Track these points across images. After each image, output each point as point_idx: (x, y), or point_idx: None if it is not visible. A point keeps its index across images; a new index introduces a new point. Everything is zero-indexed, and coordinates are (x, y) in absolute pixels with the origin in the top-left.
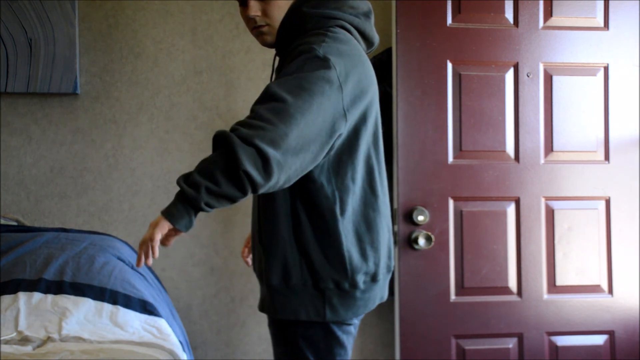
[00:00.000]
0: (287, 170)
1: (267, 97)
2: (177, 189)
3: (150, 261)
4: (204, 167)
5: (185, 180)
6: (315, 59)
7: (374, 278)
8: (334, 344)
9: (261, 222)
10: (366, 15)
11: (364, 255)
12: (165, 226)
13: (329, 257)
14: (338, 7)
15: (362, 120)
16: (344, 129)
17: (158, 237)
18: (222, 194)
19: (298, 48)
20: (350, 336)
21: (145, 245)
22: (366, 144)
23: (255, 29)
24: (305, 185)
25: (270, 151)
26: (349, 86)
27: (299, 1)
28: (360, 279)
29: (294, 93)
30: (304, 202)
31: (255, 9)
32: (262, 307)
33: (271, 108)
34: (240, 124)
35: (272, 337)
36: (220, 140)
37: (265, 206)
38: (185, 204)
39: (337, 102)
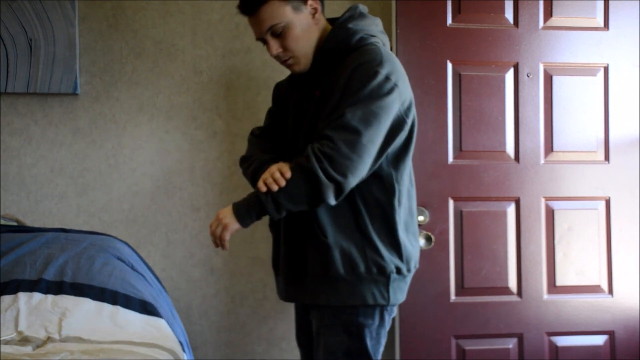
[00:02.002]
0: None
1: (343, 126)
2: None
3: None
4: (290, 193)
5: (267, 196)
6: (382, 81)
7: (416, 264)
8: (384, 327)
9: (316, 218)
10: (383, 31)
11: (411, 242)
12: (235, 228)
13: (388, 245)
14: (374, 24)
15: (413, 121)
16: (404, 133)
17: (228, 237)
18: None
19: (359, 66)
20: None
21: (214, 237)
22: (414, 140)
23: (282, 62)
24: (368, 179)
25: (347, 181)
26: (404, 96)
27: (342, 20)
28: (412, 264)
29: (366, 123)
30: (364, 194)
31: (275, 47)
32: (315, 298)
33: (347, 141)
34: (324, 155)
35: (323, 326)
36: (308, 173)
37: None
38: (260, 215)
39: (399, 114)
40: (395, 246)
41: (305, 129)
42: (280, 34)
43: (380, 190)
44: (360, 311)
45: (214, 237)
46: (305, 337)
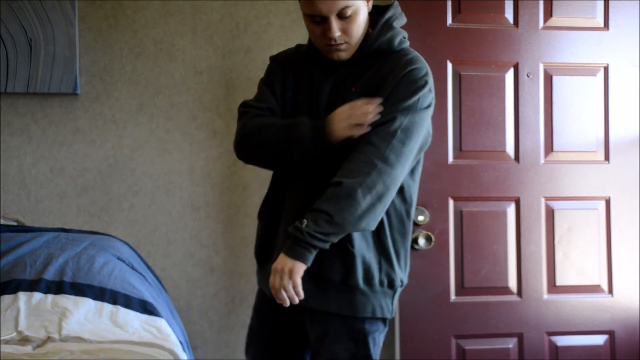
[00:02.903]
0: None
1: (392, 133)
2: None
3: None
4: (330, 222)
5: (317, 231)
6: (427, 93)
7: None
8: (384, 333)
9: None
10: None
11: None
12: (302, 269)
13: (400, 257)
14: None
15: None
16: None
17: (299, 280)
18: None
19: (409, 73)
20: None
21: (288, 292)
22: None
23: (331, 46)
24: None
25: (382, 202)
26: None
27: (389, 17)
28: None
29: (410, 133)
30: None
31: (337, 29)
32: (325, 304)
33: (395, 151)
34: (365, 174)
35: (327, 334)
36: (345, 195)
37: None
38: (317, 249)
39: (428, 125)
40: (405, 258)
41: None
42: (347, 17)
43: (400, 200)
44: (367, 321)
45: (283, 293)
46: (271, 334)
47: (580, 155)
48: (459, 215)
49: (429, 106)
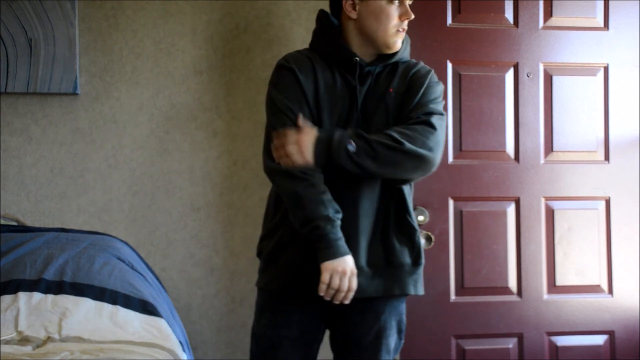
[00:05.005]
0: None
1: (430, 124)
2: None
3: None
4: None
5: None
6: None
7: None
8: None
9: (395, 217)
10: None
11: None
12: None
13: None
14: None
15: None
16: None
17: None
18: None
19: (433, 82)
20: None
21: (349, 293)
22: None
23: (400, 31)
24: None
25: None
26: None
27: None
28: None
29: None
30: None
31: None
32: (386, 290)
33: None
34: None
35: (386, 328)
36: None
37: (397, 197)
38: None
39: None
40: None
41: (376, 126)
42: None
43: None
44: (403, 300)
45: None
46: (299, 336)
47: (580, 155)
48: (459, 215)
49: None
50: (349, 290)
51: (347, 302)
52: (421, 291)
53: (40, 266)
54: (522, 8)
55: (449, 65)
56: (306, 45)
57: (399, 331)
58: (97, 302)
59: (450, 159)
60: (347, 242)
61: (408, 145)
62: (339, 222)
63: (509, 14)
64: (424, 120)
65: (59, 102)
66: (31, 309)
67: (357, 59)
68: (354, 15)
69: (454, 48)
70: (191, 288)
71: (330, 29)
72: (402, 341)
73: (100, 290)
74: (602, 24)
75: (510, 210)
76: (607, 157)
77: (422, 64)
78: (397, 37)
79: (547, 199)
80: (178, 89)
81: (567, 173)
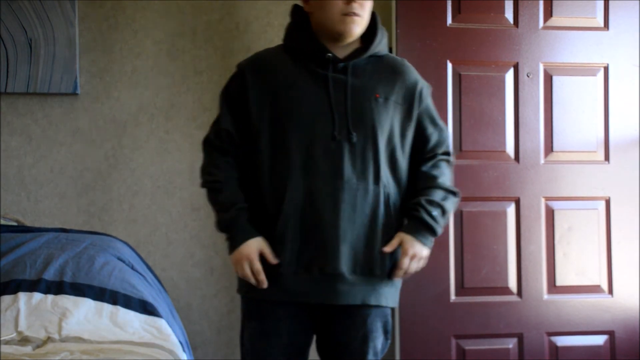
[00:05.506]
0: None
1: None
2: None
3: None
4: (443, 210)
5: (435, 222)
6: None
7: None
8: None
9: (384, 222)
10: None
11: None
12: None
13: None
14: None
15: None
16: None
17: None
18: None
19: (425, 87)
20: None
21: (257, 275)
22: None
23: (349, 15)
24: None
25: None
26: None
27: (377, 17)
28: None
29: None
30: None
31: None
32: (377, 299)
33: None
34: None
35: (372, 330)
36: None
37: (389, 209)
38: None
39: None
40: None
41: (365, 131)
42: None
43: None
44: (388, 311)
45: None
46: (295, 349)
47: (580, 155)
48: (459, 215)
49: None
50: (255, 273)
51: (264, 286)
52: (395, 304)
53: (40, 266)
54: (522, 8)
55: (449, 65)
56: None
57: (385, 332)
58: (97, 302)
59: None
60: (325, 246)
61: (453, 188)
62: (238, 207)
63: (509, 14)
64: (446, 160)
65: (59, 102)
66: (31, 309)
67: (330, 54)
68: (308, 8)
69: (454, 48)
70: (191, 288)
71: (302, 24)
72: (389, 341)
73: (100, 290)
74: (602, 24)
75: (510, 210)
76: (607, 157)
77: (406, 62)
78: (347, 24)
79: (547, 199)
80: (178, 89)
81: (567, 173)
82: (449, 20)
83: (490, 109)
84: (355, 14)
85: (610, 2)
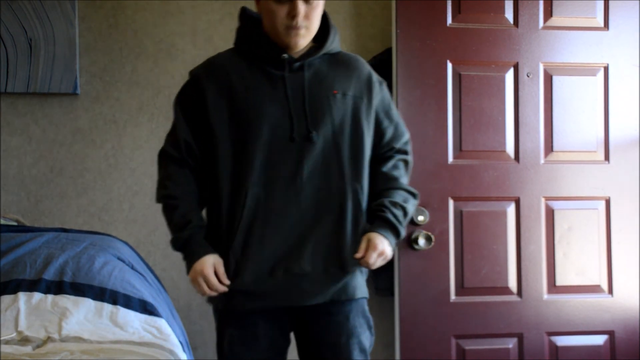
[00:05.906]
0: None
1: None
2: None
3: None
4: (405, 212)
5: (400, 225)
6: None
7: None
8: None
9: (352, 216)
10: None
11: None
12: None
13: None
14: None
15: None
16: None
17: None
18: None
19: (382, 82)
20: None
21: (213, 289)
22: None
23: (292, 28)
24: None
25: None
26: None
27: (328, 16)
28: None
29: None
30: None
31: (303, 12)
32: (348, 293)
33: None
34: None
35: (356, 325)
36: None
37: (357, 203)
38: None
39: None
40: None
41: (325, 128)
42: (311, 2)
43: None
44: (365, 301)
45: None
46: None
47: (580, 155)
48: (459, 215)
49: None
50: (211, 288)
51: (214, 292)
52: (367, 294)
53: (40, 266)
54: (522, 8)
55: (449, 65)
56: None
57: (369, 327)
58: (97, 302)
59: (450, 159)
60: (289, 248)
61: (413, 190)
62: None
63: (509, 14)
64: (405, 160)
65: (59, 102)
66: (31, 309)
67: (286, 55)
68: (259, 9)
69: (454, 48)
70: (191, 288)
71: (253, 26)
72: (373, 337)
73: (100, 290)
74: (602, 24)
75: (510, 210)
76: (607, 157)
77: (366, 63)
78: (291, 37)
79: (547, 199)
80: (178, 89)
81: (567, 173)
82: (449, 20)
83: (490, 109)
84: (298, 28)
85: (610, 2)
